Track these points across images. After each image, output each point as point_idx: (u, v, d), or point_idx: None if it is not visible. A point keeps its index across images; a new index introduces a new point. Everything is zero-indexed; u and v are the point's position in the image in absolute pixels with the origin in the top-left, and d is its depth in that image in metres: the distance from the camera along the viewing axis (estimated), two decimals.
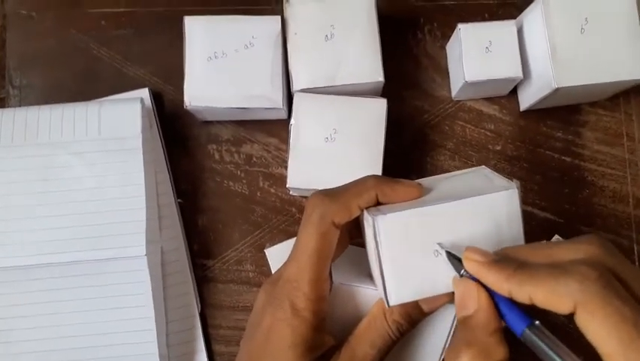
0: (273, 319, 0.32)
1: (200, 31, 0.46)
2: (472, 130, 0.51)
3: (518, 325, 0.28)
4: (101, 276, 0.44)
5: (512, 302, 0.28)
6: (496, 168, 0.50)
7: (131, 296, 0.45)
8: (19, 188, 0.45)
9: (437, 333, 0.37)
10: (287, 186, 0.44)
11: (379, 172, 0.44)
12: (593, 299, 0.24)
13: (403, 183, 0.33)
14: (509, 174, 0.50)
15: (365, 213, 0.33)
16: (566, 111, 0.51)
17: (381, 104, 0.45)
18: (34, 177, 0.45)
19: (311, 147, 0.44)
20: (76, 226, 0.44)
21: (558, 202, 0.50)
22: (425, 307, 0.33)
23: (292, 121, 0.45)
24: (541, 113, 0.51)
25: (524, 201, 0.50)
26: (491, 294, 0.29)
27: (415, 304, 0.32)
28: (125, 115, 0.46)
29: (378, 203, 0.33)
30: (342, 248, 0.35)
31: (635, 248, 0.50)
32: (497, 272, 0.27)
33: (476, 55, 0.46)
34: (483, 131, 0.51)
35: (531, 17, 0.46)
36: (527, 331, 0.27)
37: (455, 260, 0.30)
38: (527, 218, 0.49)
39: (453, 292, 0.31)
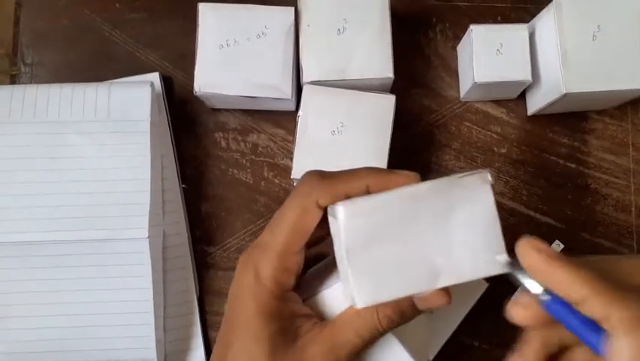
0: (239, 286, 0.31)
1: (213, 19, 0.46)
2: (479, 132, 0.51)
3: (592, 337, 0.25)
4: (101, 256, 0.45)
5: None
6: (501, 171, 0.50)
7: (131, 278, 0.45)
8: (26, 164, 0.45)
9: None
10: (291, 177, 0.45)
11: (384, 167, 0.44)
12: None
13: (397, 173, 0.31)
14: (513, 178, 0.50)
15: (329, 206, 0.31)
16: (573, 118, 0.51)
17: (389, 101, 0.45)
18: (41, 155, 0.45)
19: (317, 139, 0.45)
20: (80, 205, 0.45)
21: (560, 208, 0.50)
22: (421, 307, 0.31)
23: (300, 112, 0.45)
24: (548, 118, 0.51)
25: (527, 205, 0.50)
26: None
27: (410, 302, 0.31)
28: (135, 98, 0.47)
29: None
30: (323, 233, 0.33)
31: None
32: (569, 270, 0.25)
33: (487, 56, 0.46)
34: (489, 133, 0.51)
35: (543, 22, 0.46)
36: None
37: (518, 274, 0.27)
38: (529, 222, 0.49)
39: (448, 294, 0.29)
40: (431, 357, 0.43)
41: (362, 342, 0.30)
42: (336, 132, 0.45)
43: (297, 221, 0.31)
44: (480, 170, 0.30)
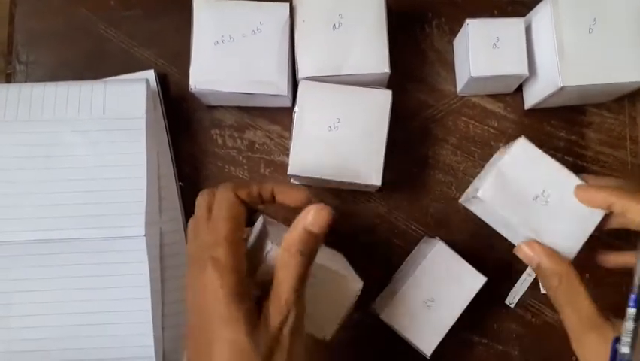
0: (202, 283, 0.34)
1: (208, 15, 0.46)
2: (476, 126, 0.51)
3: None
4: (99, 254, 0.45)
5: None
6: None
7: (129, 276, 0.45)
8: (22, 163, 0.45)
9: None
10: (288, 173, 0.44)
11: (381, 164, 0.44)
12: None
13: (294, 189, 0.38)
14: None
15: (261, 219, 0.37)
16: (570, 111, 0.51)
17: (386, 96, 0.45)
18: (37, 153, 0.45)
19: (314, 135, 0.44)
20: (76, 203, 0.45)
21: None
22: (315, 230, 0.35)
23: (296, 109, 0.45)
24: (545, 112, 0.51)
25: None
26: None
27: (308, 232, 0.35)
28: (130, 96, 0.46)
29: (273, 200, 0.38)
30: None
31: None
32: (602, 191, 0.37)
33: (483, 50, 0.46)
34: (486, 127, 0.51)
35: (539, 15, 0.46)
36: None
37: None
38: None
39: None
40: (428, 354, 0.43)
41: (297, 281, 0.34)
42: (332, 128, 0.45)
43: (230, 213, 0.35)
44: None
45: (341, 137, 0.44)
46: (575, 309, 0.37)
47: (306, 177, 0.45)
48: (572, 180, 0.40)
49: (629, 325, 0.34)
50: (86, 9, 0.51)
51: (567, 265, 0.38)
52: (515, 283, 0.48)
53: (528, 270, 0.49)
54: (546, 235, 0.40)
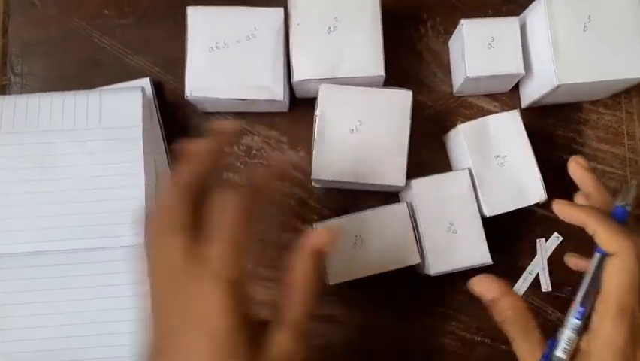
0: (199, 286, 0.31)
1: (202, 22, 0.46)
2: None
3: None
4: (97, 264, 0.44)
5: None
6: None
7: (127, 285, 0.45)
8: (18, 175, 0.45)
9: None
10: (312, 177, 0.44)
11: (404, 165, 0.44)
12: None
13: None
14: None
15: None
16: (567, 109, 0.51)
17: (406, 96, 0.45)
18: (33, 164, 0.45)
19: (335, 138, 0.44)
20: (73, 213, 0.44)
21: None
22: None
23: (317, 112, 0.44)
24: (542, 110, 0.51)
25: None
26: None
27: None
28: (126, 104, 0.46)
29: None
30: None
31: None
32: (579, 211, 0.37)
33: (478, 50, 0.46)
34: None
35: (534, 14, 0.46)
36: None
37: None
38: (526, 215, 0.49)
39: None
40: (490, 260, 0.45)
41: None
42: (354, 130, 0.44)
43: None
44: None
45: (363, 139, 0.44)
46: (526, 339, 0.39)
47: (329, 180, 0.45)
48: (532, 166, 0.45)
49: (569, 334, 0.35)
50: (80, 18, 0.51)
51: (519, 299, 0.40)
52: (516, 282, 0.48)
53: (529, 269, 0.49)
54: (486, 187, 0.45)
